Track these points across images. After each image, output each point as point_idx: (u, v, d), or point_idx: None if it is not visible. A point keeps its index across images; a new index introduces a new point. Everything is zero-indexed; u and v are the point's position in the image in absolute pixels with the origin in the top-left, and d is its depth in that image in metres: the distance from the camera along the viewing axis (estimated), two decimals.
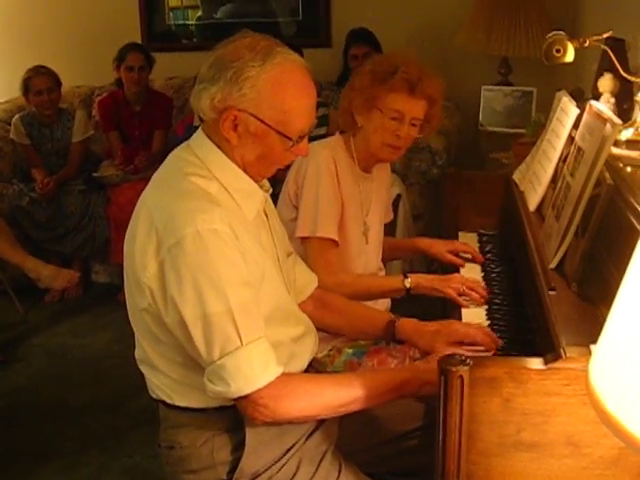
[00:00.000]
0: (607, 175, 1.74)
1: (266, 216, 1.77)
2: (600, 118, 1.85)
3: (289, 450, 1.70)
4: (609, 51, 2.23)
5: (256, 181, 1.68)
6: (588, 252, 1.72)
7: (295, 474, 1.70)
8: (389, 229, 2.89)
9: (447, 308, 2.21)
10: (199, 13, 5.40)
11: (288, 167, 2.20)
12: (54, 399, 3.42)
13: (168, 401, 1.68)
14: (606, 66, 2.48)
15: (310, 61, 1.68)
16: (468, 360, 1.37)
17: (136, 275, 1.56)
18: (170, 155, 1.70)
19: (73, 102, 5.11)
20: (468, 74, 4.78)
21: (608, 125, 1.77)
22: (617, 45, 2.47)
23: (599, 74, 2.54)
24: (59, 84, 4.54)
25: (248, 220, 1.64)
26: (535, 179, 2.39)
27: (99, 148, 4.92)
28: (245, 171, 1.64)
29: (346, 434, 1.84)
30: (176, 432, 1.70)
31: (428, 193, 4.22)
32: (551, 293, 1.73)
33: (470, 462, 1.42)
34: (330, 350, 2.29)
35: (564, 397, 1.36)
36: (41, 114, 4.54)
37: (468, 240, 2.65)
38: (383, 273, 2.58)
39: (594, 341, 0.99)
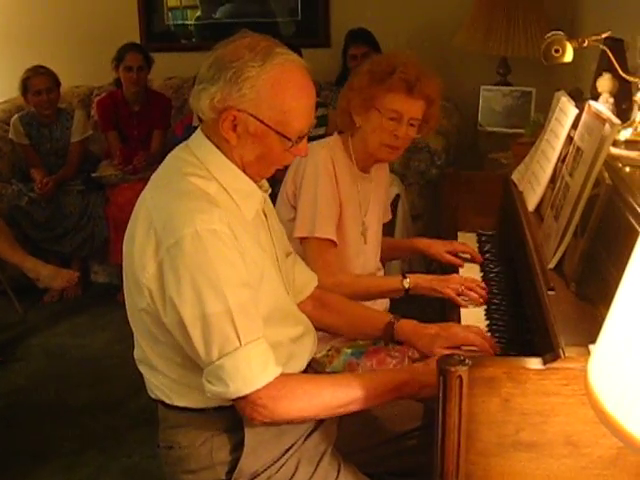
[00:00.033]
0: (606, 175, 1.74)
1: (265, 216, 1.77)
2: (599, 118, 1.85)
3: (288, 450, 1.70)
4: (608, 51, 2.23)
5: (255, 181, 1.68)
6: (587, 252, 1.72)
7: (294, 474, 1.70)
8: (388, 229, 2.89)
9: (446, 308, 2.21)
10: (198, 13, 5.41)
11: (287, 167, 2.20)
12: (53, 399, 3.42)
13: (167, 401, 1.68)
14: (605, 66, 2.48)
15: (309, 61, 1.68)
16: (467, 360, 1.37)
17: (135, 275, 1.56)
18: (169, 155, 1.70)
19: (72, 102, 5.10)
20: (467, 74, 4.78)
21: (607, 125, 1.77)
22: (616, 45, 2.47)
23: (598, 74, 2.54)
24: (58, 84, 4.54)
25: (247, 220, 1.64)
26: (534, 179, 2.39)
27: (98, 148, 4.92)
28: (244, 171, 1.64)
29: (345, 434, 1.84)
30: (175, 432, 1.70)
31: (427, 193, 4.22)
32: (550, 293, 1.73)
33: (469, 462, 1.42)
34: (329, 350, 2.29)
35: (563, 397, 1.36)
36: (40, 114, 4.54)
37: (467, 240, 2.65)
38: (382, 273, 2.58)
39: (593, 341, 0.99)
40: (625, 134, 2.03)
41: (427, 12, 4.90)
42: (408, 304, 2.37)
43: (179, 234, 1.48)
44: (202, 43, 5.12)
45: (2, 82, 5.24)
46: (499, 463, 1.42)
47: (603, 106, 2.11)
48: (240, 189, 1.64)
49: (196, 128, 1.70)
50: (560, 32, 2.31)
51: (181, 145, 1.70)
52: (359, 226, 2.41)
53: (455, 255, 2.48)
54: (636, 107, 2.08)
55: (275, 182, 1.97)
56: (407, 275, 2.27)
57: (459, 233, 2.75)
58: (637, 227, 1.46)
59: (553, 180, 2.21)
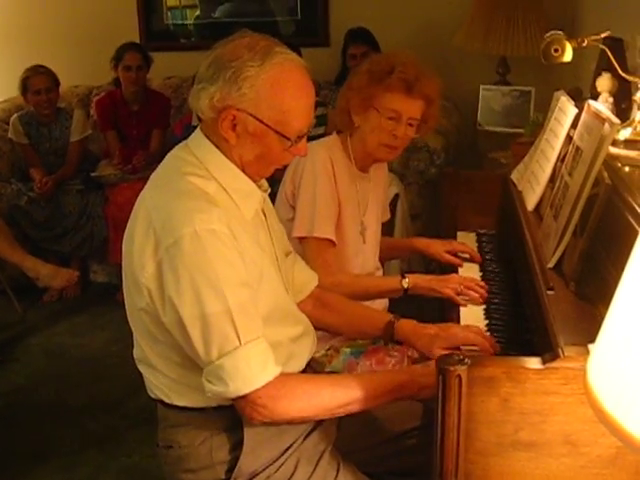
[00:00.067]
0: (605, 175, 1.74)
1: (264, 216, 1.77)
2: (598, 118, 1.85)
3: (287, 450, 1.70)
4: (607, 51, 2.23)
5: (254, 181, 1.68)
6: (586, 251, 1.72)
7: (293, 474, 1.70)
8: (387, 228, 2.89)
9: (445, 308, 2.21)
10: (197, 12, 5.40)
11: (286, 167, 2.20)
12: (52, 399, 3.42)
13: (166, 401, 1.68)
14: (604, 66, 2.49)
15: (308, 60, 1.68)
16: (466, 360, 1.37)
17: (134, 275, 1.56)
18: (168, 155, 1.70)
19: (71, 102, 5.10)
20: (466, 74, 4.78)
21: (606, 125, 1.77)
22: (615, 45, 2.47)
23: (597, 74, 2.54)
24: (57, 84, 4.54)
25: (246, 220, 1.64)
26: (533, 179, 2.39)
27: (97, 148, 4.92)
28: (243, 171, 1.64)
29: (344, 434, 1.85)
30: (174, 432, 1.70)
31: (426, 193, 4.22)
32: (549, 292, 1.73)
33: (468, 461, 1.42)
34: (328, 349, 2.29)
35: (562, 396, 1.36)
36: (39, 114, 4.54)
37: (466, 240, 2.65)
38: (381, 272, 2.58)
39: (592, 340, 0.99)
40: (624, 133, 2.03)
41: (427, 11, 4.91)
42: (407, 304, 2.36)
43: (178, 234, 1.48)
44: (201, 42, 5.11)
45: (1, 81, 5.24)
46: (498, 462, 1.42)
47: (602, 105, 2.11)
48: (239, 189, 1.63)
49: (195, 127, 1.70)
50: (559, 32, 2.31)
51: (180, 144, 1.70)
52: (358, 226, 2.41)
53: (454, 255, 2.48)
54: (635, 106, 2.08)
55: (274, 182, 1.97)
56: (406, 275, 2.27)
57: (458, 233, 2.75)
58: (636, 227, 1.46)
59: (552, 180, 2.21)
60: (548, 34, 2.32)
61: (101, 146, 4.90)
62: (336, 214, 2.31)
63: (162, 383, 1.67)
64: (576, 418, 1.36)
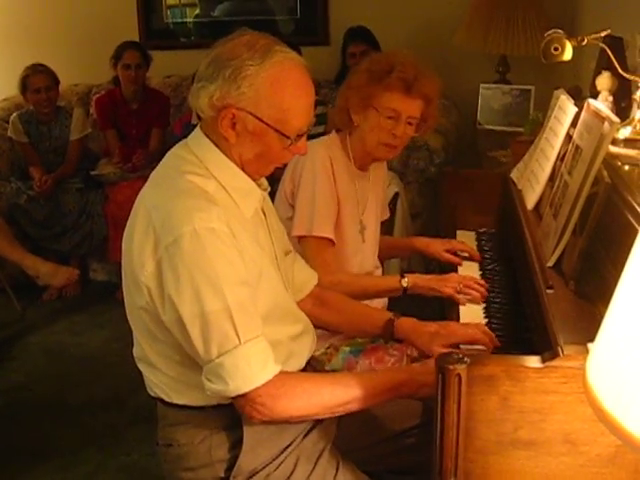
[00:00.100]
0: (605, 173, 1.75)
1: (264, 215, 1.77)
2: (598, 116, 1.85)
3: (287, 448, 1.70)
4: (607, 49, 2.23)
5: (254, 179, 1.68)
6: (586, 250, 1.72)
7: (292, 472, 1.70)
8: (387, 227, 2.89)
9: (445, 306, 2.22)
10: (197, 11, 5.40)
11: (285, 166, 2.20)
12: (52, 397, 3.42)
13: (166, 399, 1.68)
14: (604, 64, 2.49)
15: (308, 59, 1.68)
16: (466, 358, 1.37)
17: (134, 273, 1.56)
18: (168, 153, 1.70)
19: (71, 100, 5.10)
20: (466, 72, 4.78)
21: (606, 123, 1.77)
22: (615, 43, 2.47)
23: (597, 72, 2.54)
24: (57, 82, 4.54)
25: (246, 219, 1.64)
26: (533, 177, 2.39)
27: (97, 146, 4.92)
28: (243, 169, 1.64)
29: (344, 432, 1.85)
30: (174, 430, 1.70)
31: (426, 191, 4.22)
32: (549, 291, 1.73)
33: (467, 460, 1.42)
34: (327, 348, 2.29)
35: (561, 395, 1.36)
36: (39, 112, 4.54)
37: (466, 239, 2.65)
38: (380, 271, 2.58)
39: (592, 339, 0.99)
40: (624, 132, 2.04)
41: (426, 10, 4.90)
42: (407, 302, 2.37)
43: (177, 232, 1.48)
44: (201, 41, 5.12)
45: (1, 80, 5.23)
46: (497, 461, 1.42)
47: (602, 104, 2.11)
48: (239, 187, 1.64)
49: (195, 126, 1.70)
50: (559, 30, 2.31)
51: (180, 143, 1.70)
52: (357, 225, 2.41)
53: (454, 254, 2.48)
54: (635, 105, 2.08)
55: (274, 180, 1.96)
56: (405, 275, 2.26)
57: (458, 231, 2.75)
58: (636, 225, 1.46)
59: (552, 178, 2.21)
60: (548, 33, 2.32)
61: (101, 145, 4.89)
62: (335, 213, 2.31)
63: (162, 381, 1.67)
64: (575, 417, 1.36)
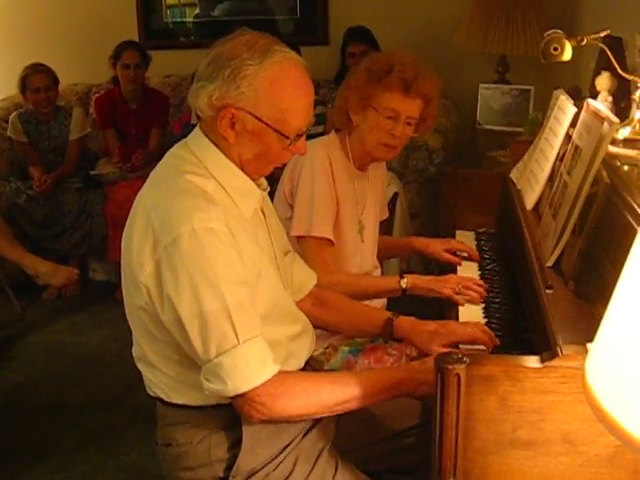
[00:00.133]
0: (604, 174, 1.75)
1: (263, 214, 1.77)
2: (597, 116, 1.86)
3: (286, 448, 1.71)
4: (607, 49, 2.23)
5: (253, 179, 1.68)
6: (585, 250, 1.72)
7: (292, 472, 1.70)
8: (386, 227, 2.89)
9: (444, 306, 2.22)
10: (196, 11, 5.40)
11: (285, 165, 2.20)
12: (51, 396, 3.42)
13: (165, 399, 1.68)
14: (604, 64, 2.49)
15: (308, 59, 1.68)
16: (465, 358, 1.37)
17: (133, 273, 1.56)
18: (167, 153, 1.70)
19: (70, 100, 5.10)
20: (466, 72, 4.78)
21: (605, 123, 1.77)
22: (615, 43, 2.47)
23: (597, 72, 2.54)
24: (57, 82, 4.54)
25: (245, 218, 1.64)
26: (532, 177, 2.39)
27: (96, 146, 4.92)
28: (242, 169, 1.64)
29: (343, 432, 1.85)
30: (173, 430, 1.70)
31: (425, 191, 4.22)
32: (548, 291, 1.73)
33: (466, 460, 1.42)
34: (326, 348, 2.29)
35: (560, 395, 1.36)
36: (39, 112, 4.54)
37: (465, 238, 2.65)
38: (379, 271, 2.58)
39: (591, 339, 0.99)
40: (624, 132, 2.04)
41: (426, 10, 4.90)
42: (406, 302, 2.36)
43: (176, 232, 1.48)
44: (200, 41, 5.11)
45: (1, 80, 5.23)
46: (496, 461, 1.42)
47: (602, 104, 2.11)
48: (238, 187, 1.64)
49: (194, 126, 1.70)
50: (559, 30, 2.31)
51: (180, 143, 1.70)
52: (356, 225, 2.41)
53: (453, 253, 2.48)
54: (635, 105, 2.08)
55: (273, 180, 1.96)
56: (404, 275, 2.26)
57: (457, 231, 2.75)
58: (635, 225, 1.46)
59: (551, 178, 2.21)
60: (547, 33, 2.32)
61: (100, 144, 4.89)
62: (334, 213, 2.31)
63: (161, 381, 1.67)
64: (574, 417, 1.37)
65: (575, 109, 2.18)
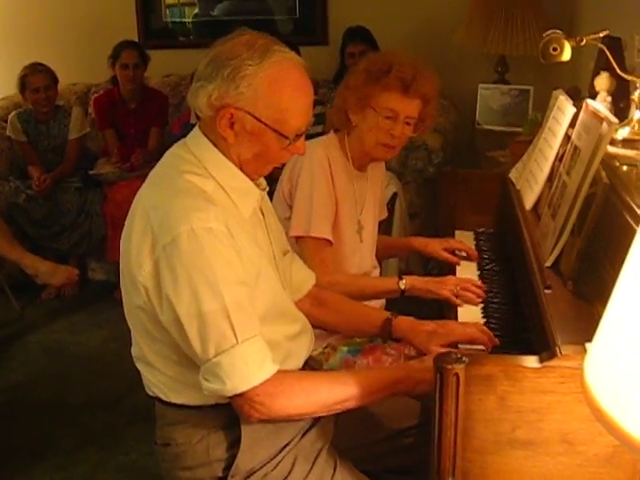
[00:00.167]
0: (603, 174, 1.75)
1: (262, 214, 1.77)
2: (596, 117, 1.86)
3: (284, 447, 1.71)
4: (606, 50, 2.23)
5: (252, 179, 1.68)
6: (584, 251, 1.72)
7: (290, 472, 1.70)
8: (385, 227, 2.89)
9: (443, 306, 2.22)
10: (196, 10, 5.40)
11: (284, 165, 2.20)
12: (51, 396, 3.42)
13: (164, 398, 1.68)
14: (603, 65, 2.49)
15: (307, 59, 1.68)
16: (464, 358, 1.37)
17: (132, 273, 1.56)
18: (167, 153, 1.70)
19: (70, 99, 5.10)
20: (465, 72, 4.78)
21: (604, 124, 1.77)
22: (614, 44, 2.48)
23: (596, 73, 2.55)
24: (56, 81, 4.54)
25: (244, 218, 1.64)
26: (531, 177, 2.39)
27: (95, 146, 4.92)
28: (241, 169, 1.64)
29: (342, 431, 1.85)
30: (172, 429, 1.70)
31: (424, 191, 4.22)
32: (547, 291, 1.73)
33: (465, 460, 1.42)
34: (325, 348, 2.29)
35: (559, 395, 1.37)
36: (38, 111, 4.54)
37: (464, 238, 2.65)
38: (378, 271, 2.58)
39: (589, 339, 0.99)
40: (622, 133, 2.04)
41: (425, 10, 4.90)
42: (405, 302, 2.36)
43: (175, 232, 1.48)
44: (200, 40, 5.10)
45: (0, 79, 5.23)
46: (495, 461, 1.42)
47: (601, 105, 2.12)
48: (237, 187, 1.63)
49: (194, 126, 1.70)
50: (558, 31, 2.32)
51: (179, 142, 1.70)
52: (355, 225, 2.41)
53: (452, 253, 2.48)
54: (634, 106, 2.09)
55: (272, 180, 1.96)
56: (403, 276, 2.26)
57: (456, 231, 2.75)
58: (634, 226, 1.46)
59: (550, 179, 2.21)
60: (547, 33, 2.32)
61: (99, 144, 4.90)
62: (333, 213, 2.31)
63: (160, 381, 1.67)
64: (573, 417, 1.37)
65: (574, 109, 2.18)
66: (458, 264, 2.44)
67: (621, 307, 0.90)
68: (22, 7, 5.35)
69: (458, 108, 4.75)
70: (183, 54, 5.11)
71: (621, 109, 2.38)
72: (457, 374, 1.36)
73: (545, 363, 1.38)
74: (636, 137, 2.02)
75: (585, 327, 1.44)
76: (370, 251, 2.50)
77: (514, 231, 2.26)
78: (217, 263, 1.49)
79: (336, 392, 1.60)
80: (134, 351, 1.72)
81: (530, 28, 4.29)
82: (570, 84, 3.37)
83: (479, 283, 2.23)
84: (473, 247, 2.57)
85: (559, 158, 2.17)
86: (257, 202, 1.71)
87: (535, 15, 4.33)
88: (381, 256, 2.63)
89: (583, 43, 2.24)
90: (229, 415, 1.62)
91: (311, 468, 1.72)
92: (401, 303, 2.37)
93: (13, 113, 4.63)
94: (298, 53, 1.66)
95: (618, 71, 2.23)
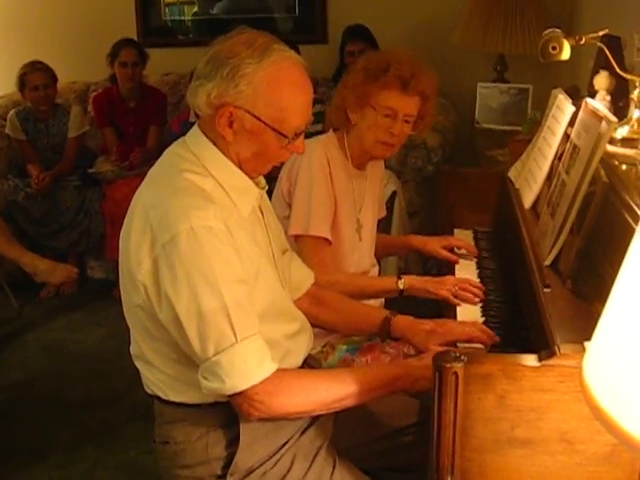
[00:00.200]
0: (602, 173, 1.75)
1: (262, 213, 1.77)
2: (596, 116, 1.86)
3: (283, 446, 1.71)
4: (605, 49, 2.23)
5: (252, 178, 1.68)
6: (583, 249, 1.72)
7: (289, 470, 1.70)
8: (384, 226, 2.89)
9: (442, 305, 2.22)
10: (195, 9, 5.40)
11: (283, 164, 2.20)
12: (50, 394, 3.42)
13: (163, 397, 1.68)
14: (602, 64, 2.49)
15: (306, 58, 1.68)
16: (462, 357, 1.37)
17: (131, 271, 1.56)
18: (166, 151, 1.70)
19: (69, 98, 5.10)
20: (464, 71, 4.78)
21: (603, 123, 1.77)
22: (613, 43, 2.48)
23: (595, 72, 2.54)
24: (55, 80, 4.54)
25: (243, 217, 1.64)
26: (530, 176, 2.39)
27: (95, 144, 4.92)
28: (240, 168, 1.64)
29: (341, 430, 1.85)
30: (171, 427, 1.70)
31: (424, 190, 4.22)
32: (546, 290, 1.74)
33: (464, 458, 1.42)
34: (324, 346, 2.29)
35: (558, 394, 1.37)
36: (37, 110, 4.54)
37: (463, 237, 2.65)
38: (377, 269, 2.58)
39: (588, 338, 0.99)
40: (622, 132, 2.04)
41: (425, 9, 4.90)
42: (404, 301, 2.36)
43: (174, 230, 1.48)
44: (199, 39, 5.11)
45: None
46: (494, 459, 1.42)
47: (600, 104, 2.12)
48: (236, 186, 1.63)
49: (193, 124, 1.70)
50: (557, 29, 2.31)
51: (178, 141, 1.69)
52: (354, 223, 2.41)
53: (450, 251, 2.48)
54: (633, 105, 2.08)
55: (271, 179, 1.96)
56: (402, 276, 2.27)
57: (455, 230, 2.75)
58: (633, 225, 1.46)
59: (550, 177, 2.21)
60: (546, 32, 2.32)
61: (98, 142, 4.89)
62: (332, 212, 2.31)
63: (159, 379, 1.67)
64: (572, 415, 1.37)
65: (573, 108, 2.18)
66: (457, 262, 2.44)
67: (620, 306, 0.90)
68: (21, 5, 5.34)
69: (457, 107, 4.74)
70: (182, 52, 5.10)
71: (620, 108, 2.38)
72: (456, 373, 1.36)
73: (544, 362, 1.38)
74: (635, 136, 2.02)
75: (584, 326, 1.44)
76: (369, 250, 2.50)
77: (513, 230, 2.26)
78: (216, 261, 1.49)
79: (335, 390, 1.60)
80: (133, 349, 1.72)
81: (529, 27, 4.29)
82: (569, 83, 3.37)
83: (478, 283, 2.23)
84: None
85: (558, 157, 2.17)
86: (256, 201, 1.71)
87: (535, 14, 4.33)
88: (380, 255, 2.63)
89: (582, 42, 2.24)
90: (228, 413, 1.62)
91: (310, 466, 1.72)
92: (400, 302, 2.37)
93: (12, 111, 4.63)
94: (298, 52, 1.66)
95: (617, 70, 2.22)
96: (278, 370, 1.55)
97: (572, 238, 1.79)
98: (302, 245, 2.26)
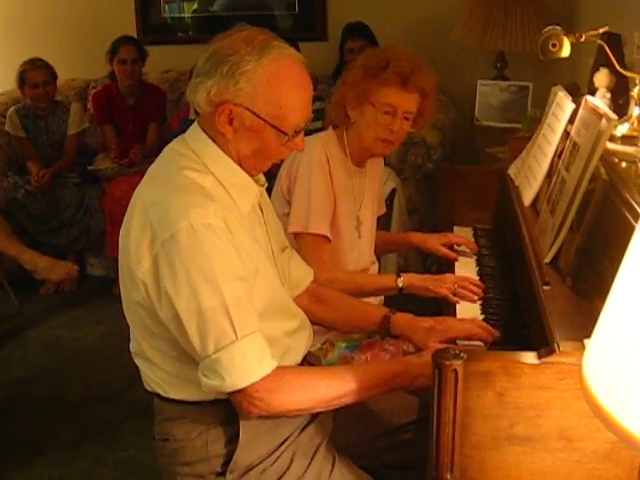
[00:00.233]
0: (602, 170, 1.75)
1: (261, 210, 1.77)
2: (596, 113, 1.86)
3: (283, 443, 1.71)
4: (605, 46, 2.23)
5: (251, 175, 1.67)
6: (583, 247, 1.72)
7: (289, 467, 1.70)
8: (384, 223, 2.89)
9: (441, 302, 2.22)
10: (195, 6, 5.39)
11: (283, 161, 2.20)
12: (49, 391, 3.42)
13: (163, 394, 1.68)
14: (602, 61, 2.49)
15: (306, 55, 1.68)
16: (462, 354, 1.37)
17: (130, 269, 1.56)
18: (166, 148, 1.70)
19: (68, 95, 5.09)
20: (464, 69, 4.78)
21: (603, 120, 1.77)
22: (613, 40, 2.47)
23: (595, 69, 2.54)
24: (55, 77, 4.53)
25: (243, 214, 1.64)
26: (530, 174, 2.39)
27: (94, 141, 4.91)
28: (240, 165, 1.64)
29: (340, 427, 1.85)
30: (170, 425, 1.70)
31: (423, 187, 4.21)
32: (545, 288, 1.74)
33: (464, 455, 1.42)
34: (323, 344, 2.30)
35: (558, 391, 1.37)
36: (37, 107, 4.54)
37: (463, 234, 2.65)
38: (376, 267, 2.58)
39: (588, 335, 0.99)
40: (622, 129, 2.04)
41: (424, 6, 4.90)
42: (403, 298, 2.37)
43: (174, 228, 1.48)
44: (199, 36, 5.11)
45: None
46: (494, 457, 1.42)
47: (600, 101, 2.11)
48: (236, 183, 1.63)
49: (193, 121, 1.70)
50: (557, 27, 2.31)
51: (178, 138, 1.69)
52: (353, 221, 2.41)
53: (450, 248, 2.48)
54: (633, 102, 2.08)
55: (271, 176, 1.96)
56: (402, 274, 2.27)
57: (455, 227, 2.75)
58: (633, 222, 1.46)
59: (549, 175, 2.21)
60: (546, 29, 2.31)
61: (98, 140, 4.89)
62: (331, 210, 2.31)
63: (158, 377, 1.67)
64: (572, 413, 1.37)
65: (573, 106, 2.18)
66: (456, 259, 2.44)
67: (620, 303, 0.90)
68: (21, 2, 5.33)
69: (457, 104, 4.74)
70: (182, 50, 5.10)
71: (620, 105, 2.38)
72: (455, 370, 1.36)
73: (544, 359, 1.38)
74: (635, 133, 2.02)
75: (584, 323, 1.44)
76: (369, 247, 2.50)
77: (513, 227, 2.26)
78: (216, 259, 1.49)
79: (334, 387, 1.61)
80: (133, 347, 1.72)
81: (529, 24, 4.29)
82: (569, 80, 3.37)
83: (477, 281, 2.23)
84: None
85: (558, 154, 2.17)
86: (256, 198, 1.71)
87: (534, 11, 4.33)
88: (380, 252, 2.63)
89: (582, 39, 2.23)
90: (228, 411, 1.62)
91: (310, 463, 1.72)
92: (399, 300, 2.37)
93: (12, 108, 4.62)
94: (297, 49, 1.66)
95: (617, 67, 2.22)
96: (278, 367, 1.55)
97: (572, 236, 1.79)
98: (301, 242, 2.26)
